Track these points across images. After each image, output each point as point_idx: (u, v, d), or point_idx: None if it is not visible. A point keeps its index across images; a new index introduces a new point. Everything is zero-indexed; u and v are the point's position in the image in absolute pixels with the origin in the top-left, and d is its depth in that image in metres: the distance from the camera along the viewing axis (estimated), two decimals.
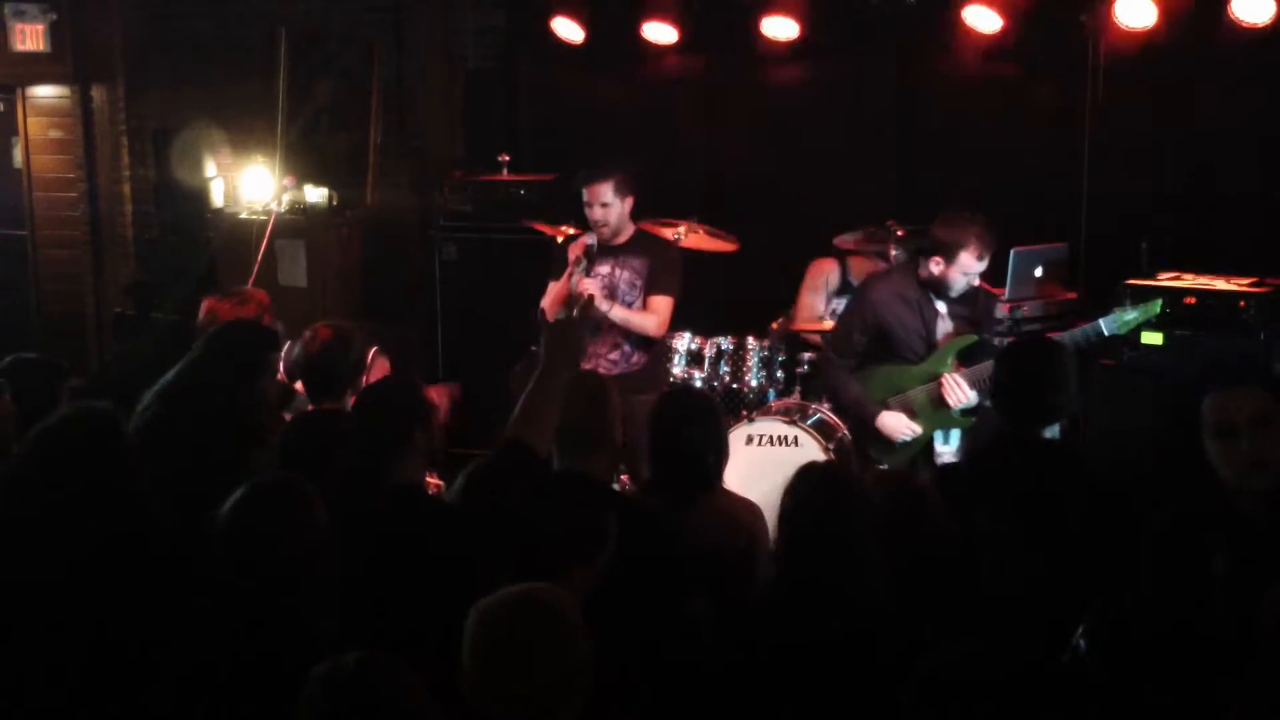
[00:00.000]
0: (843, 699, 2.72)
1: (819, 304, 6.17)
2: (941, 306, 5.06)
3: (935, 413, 4.97)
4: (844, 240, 6.26)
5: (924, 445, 5.02)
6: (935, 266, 4.94)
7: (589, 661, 2.40)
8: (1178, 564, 2.79)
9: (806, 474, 3.12)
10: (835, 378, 5.15)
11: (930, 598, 3.05)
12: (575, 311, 5.32)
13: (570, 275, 5.38)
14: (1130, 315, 4.95)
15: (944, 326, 5.09)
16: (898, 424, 4.95)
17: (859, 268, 6.16)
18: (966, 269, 4.92)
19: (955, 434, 5.00)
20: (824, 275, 6.21)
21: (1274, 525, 2.75)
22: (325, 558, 2.83)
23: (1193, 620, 2.71)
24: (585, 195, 5.43)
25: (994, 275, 5.90)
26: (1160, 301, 5.04)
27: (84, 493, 3.12)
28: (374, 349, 5.20)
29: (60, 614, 2.95)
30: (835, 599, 2.83)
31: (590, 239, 5.41)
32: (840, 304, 6.33)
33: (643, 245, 5.54)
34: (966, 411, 4.94)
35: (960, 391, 4.87)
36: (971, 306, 5.10)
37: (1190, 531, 2.80)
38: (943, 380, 4.91)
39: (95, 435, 3.24)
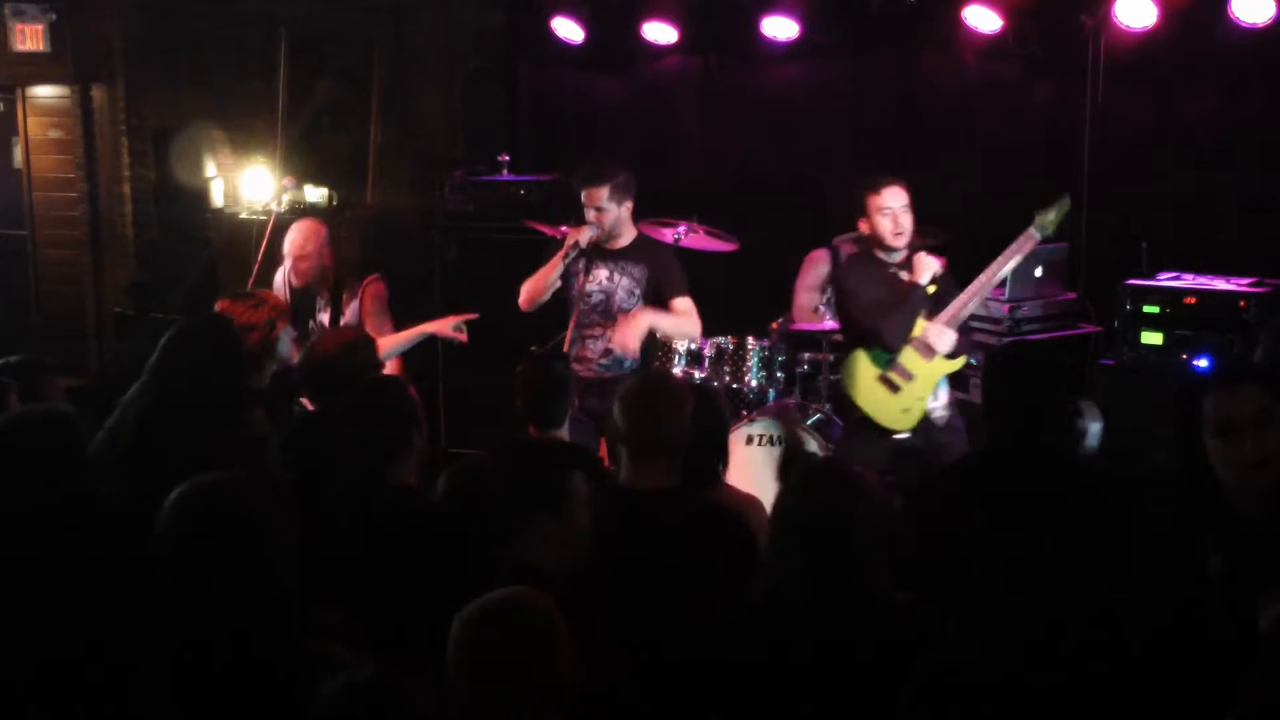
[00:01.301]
0: (863, 697, 2.71)
1: (814, 299, 6.27)
2: (905, 276, 5.18)
3: (928, 366, 5.15)
4: (844, 241, 6.27)
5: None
6: (864, 226, 5.21)
7: (573, 665, 2.39)
8: (1177, 564, 2.79)
9: (811, 469, 3.09)
10: (882, 319, 5.19)
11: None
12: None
13: (557, 264, 5.35)
14: (1050, 216, 5.03)
15: None
16: (942, 329, 5.11)
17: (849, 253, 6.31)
18: (880, 208, 5.13)
19: (943, 386, 5.21)
20: (816, 269, 6.30)
21: (1274, 525, 2.75)
22: (280, 558, 2.71)
23: (1192, 621, 2.71)
24: (583, 197, 5.42)
25: None
26: (1068, 194, 5.10)
27: (37, 496, 3.11)
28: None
29: (26, 623, 2.93)
30: (852, 596, 2.81)
31: (586, 234, 5.35)
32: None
33: (643, 252, 5.48)
34: (952, 355, 5.14)
35: (945, 336, 5.09)
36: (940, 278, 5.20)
37: (1189, 532, 2.80)
38: (926, 332, 5.10)
39: (45, 438, 3.24)
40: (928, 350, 5.13)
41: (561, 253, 5.35)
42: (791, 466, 3.56)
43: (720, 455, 3.89)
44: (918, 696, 2.25)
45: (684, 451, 3.55)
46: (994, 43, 6.28)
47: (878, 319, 5.16)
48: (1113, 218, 6.08)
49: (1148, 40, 5.88)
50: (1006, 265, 5.14)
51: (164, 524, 2.71)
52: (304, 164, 7.90)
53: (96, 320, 8.74)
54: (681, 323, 5.45)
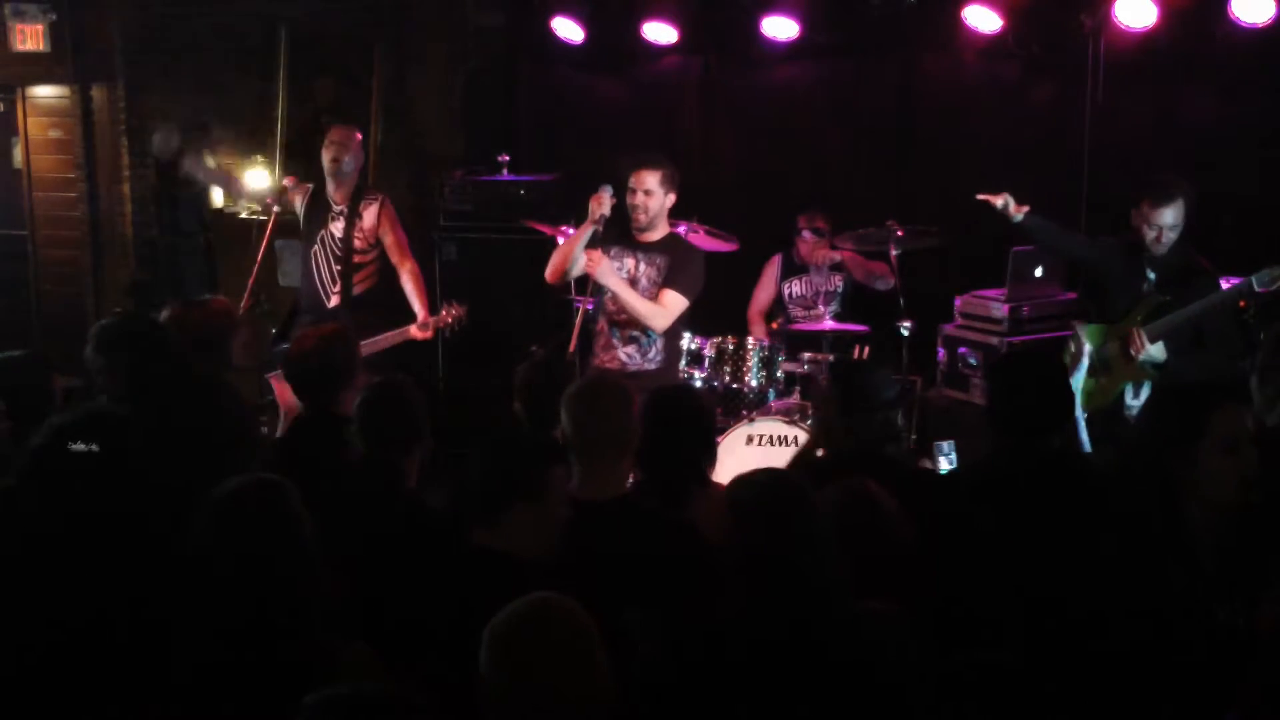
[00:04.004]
0: (823, 703, 2.69)
1: (765, 296, 6.66)
2: (1152, 275, 5.17)
3: (1125, 365, 5.10)
4: (843, 240, 6.27)
5: (1114, 400, 5.14)
6: (1135, 219, 5.19)
7: (608, 675, 2.39)
8: (1176, 566, 2.79)
9: (753, 483, 3.04)
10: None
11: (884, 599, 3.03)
12: (574, 280, 5.27)
13: (584, 232, 5.29)
14: (1278, 271, 5.00)
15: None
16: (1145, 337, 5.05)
17: (804, 248, 6.55)
18: (1146, 219, 5.11)
19: (1146, 388, 5.11)
20: (770, 271, 6.67)
21: (1273, 529, 2.75)
22: (313, 558, 2.76)
23: (1190, 621, 2.71)
24: (631, 180, 5.38)
25: (995, 276, 5.92)
26: None
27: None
28: None
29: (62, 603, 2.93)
30: (805, 600, 2.78)
31: (605, 199, 5.29)
32: (788, 286, 6.59)
33: (670, 246, 5.47)
34: (1153, 366, 5.07)
35: (1139, 341, 5.02)
36: (1183, 288, 5.12)
37: (1189, 534, 2.80)
38: (1131, 332, 5.05)
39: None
40: (1128, 350, 5.06)
41: (589, 220, 5.28)
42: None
43: (708, 455, 3.89)
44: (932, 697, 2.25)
45: (633, 451, 3.57)
46: (994, 43, 6.28)
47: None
48: (1113, 218, 6.06)
49: (1148, 40, 5.88)
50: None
51: (210, 522, 2.74)
52: (304, 164, 7.90)
53: (96, 320, 8.72)
54: (651, 309, 5.32)
